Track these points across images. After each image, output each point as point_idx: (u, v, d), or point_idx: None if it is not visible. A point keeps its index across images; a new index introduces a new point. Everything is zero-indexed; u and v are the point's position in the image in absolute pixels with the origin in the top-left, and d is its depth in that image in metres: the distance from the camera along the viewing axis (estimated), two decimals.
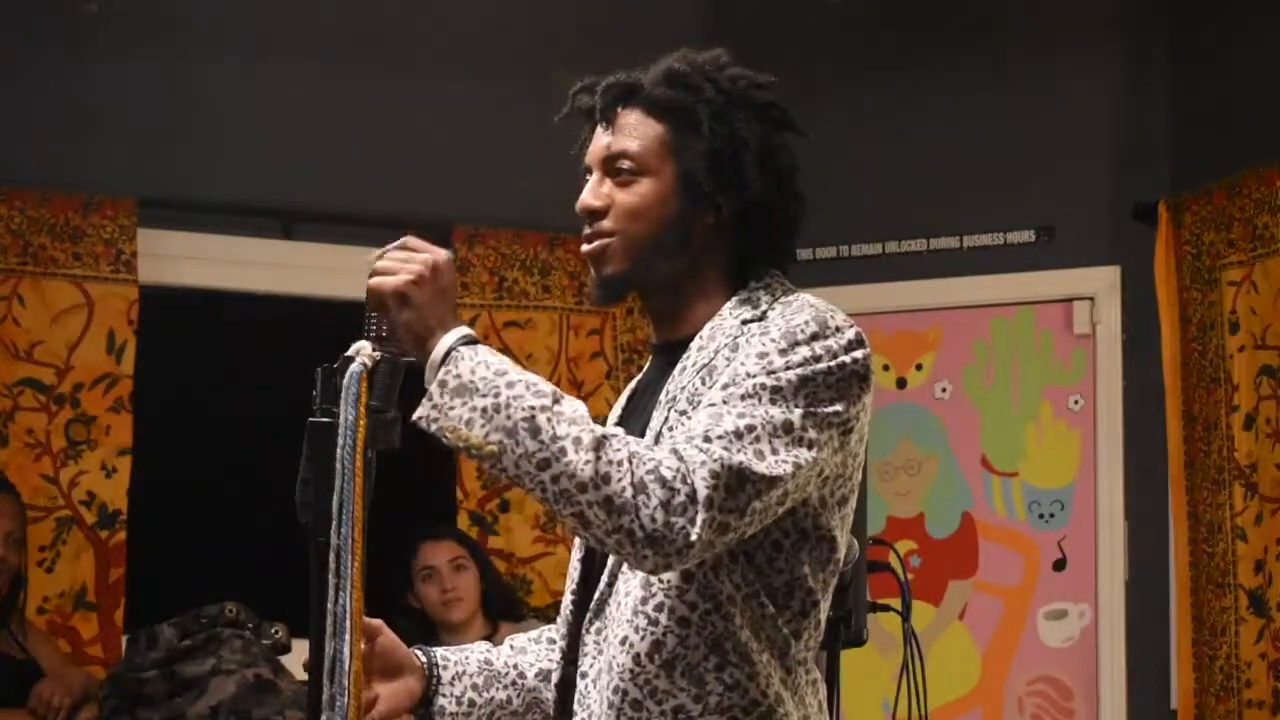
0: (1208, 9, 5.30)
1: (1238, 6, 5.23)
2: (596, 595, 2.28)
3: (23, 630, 4.76)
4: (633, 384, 2.48)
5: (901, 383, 5.55)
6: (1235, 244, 5.02)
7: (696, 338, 2.30)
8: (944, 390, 5.52)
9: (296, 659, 4.13)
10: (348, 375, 2.16)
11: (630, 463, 2.08)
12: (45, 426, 5.10)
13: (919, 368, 5.55)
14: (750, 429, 2.12)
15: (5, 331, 5.09)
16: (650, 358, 2.44)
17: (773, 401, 2.15)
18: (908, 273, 5.55)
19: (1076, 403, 5.39)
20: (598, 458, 2.07)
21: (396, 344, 2.19)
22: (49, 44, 5.23)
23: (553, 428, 2.08)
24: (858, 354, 2.21)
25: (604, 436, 2.10)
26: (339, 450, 2.14)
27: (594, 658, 2.27)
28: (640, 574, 2.21)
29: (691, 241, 2.32)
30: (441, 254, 2.21)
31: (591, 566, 2.34)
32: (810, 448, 2.15)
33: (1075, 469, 5.37)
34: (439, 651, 2.45)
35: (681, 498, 2.07)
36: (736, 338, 2.25)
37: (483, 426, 2.09)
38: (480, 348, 2.15)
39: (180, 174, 5.29)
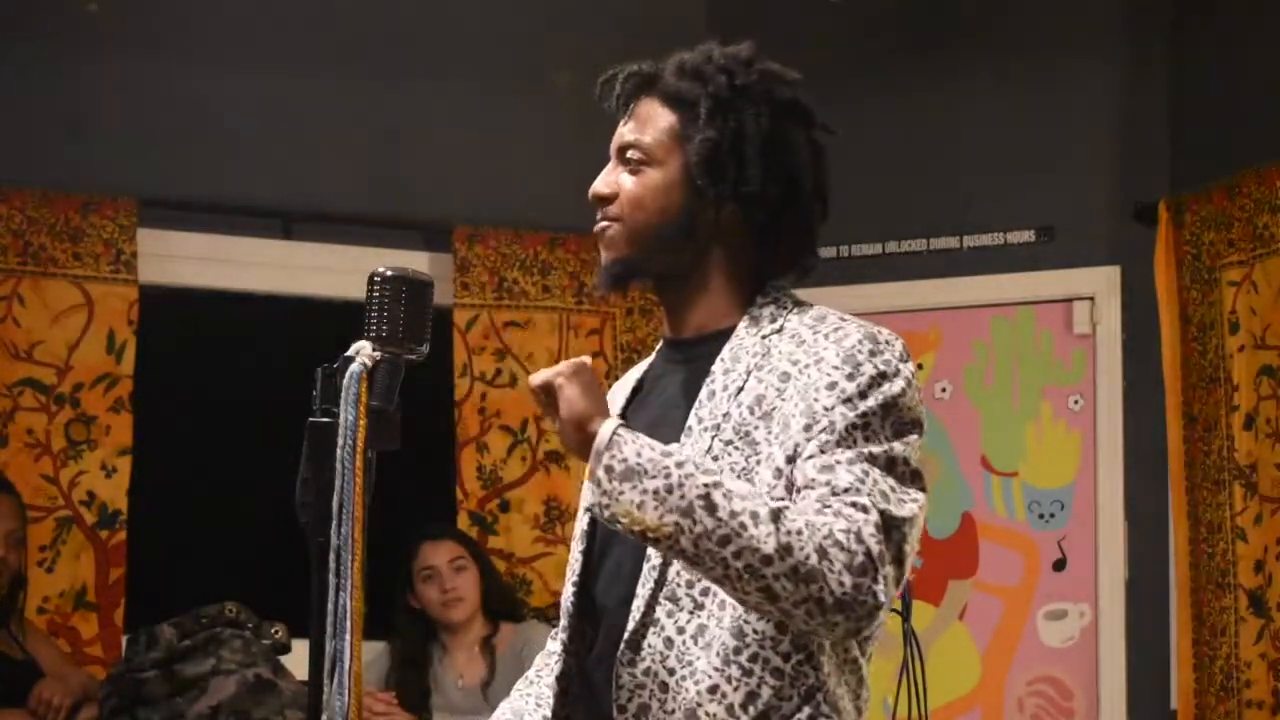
0: (1208, 9, 5.30)
1: (1237, 6, 5.23)
2: (629, 632, 2.24)
3: (22, 630, 4.75)
4: (636, 374, 2.47)
5: None
6: (1235, 244, 5.02)
7: (718, 360, 2.28)
8: (944, 390, 5.52)
9: (296, 659, 4.13)
10: (348, 375, 2.15)
11: (808, 530, 2.07)
12: (45, 426, 5.10)
13: (919, 368, 5.54)
14: (867, 474, 2.15)
15: (5, 331, 5.09)
16: (657, 349, 2.43)
17: (867, 440, 2.18)
18: (908, 273, 5.55)
19: (1076, 403, 5.39)
20: (778, 529, 2.07)
21: (397, 344, 2.19)
22: (49, 44, 5.23)
23: (729, 504, 2.07)
24: (910, 364, 2.30)
25: (779, 508, 2.09)
26: (339, 450, 2.14)
27: (646, 697, 2.22)
28: (731, 622, 2.19)
29: (696, 234, 2.31)
30: (580, 358, 2.24)
31: (591, 559, 2.32)
32: (916, 480, 2.22)
33: (1075, 469, 5.37)
34: None
35: (861, 558, 2.08)
36: (764, 355, 2.25)
37: (656, 509, 2.08)
38: (639, 433, 2.15)
39: (180, 174, 5.29)
